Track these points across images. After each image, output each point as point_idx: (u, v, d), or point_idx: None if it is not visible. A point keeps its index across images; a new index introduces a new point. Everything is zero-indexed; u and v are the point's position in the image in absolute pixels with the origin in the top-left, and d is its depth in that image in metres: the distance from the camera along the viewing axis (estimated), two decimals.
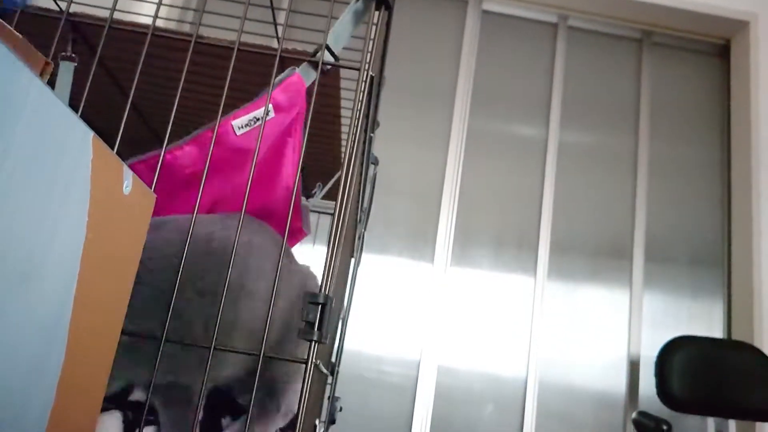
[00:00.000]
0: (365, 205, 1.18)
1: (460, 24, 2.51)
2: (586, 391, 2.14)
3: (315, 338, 0.50)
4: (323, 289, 0.52)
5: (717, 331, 2.26)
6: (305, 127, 0.55)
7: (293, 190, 0.72)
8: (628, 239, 2.34)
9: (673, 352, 1.58)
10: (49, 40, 0.75)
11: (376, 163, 1.12)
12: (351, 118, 0.59)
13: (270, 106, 0.65)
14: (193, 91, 0.88)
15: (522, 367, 2.15)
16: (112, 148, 1.28)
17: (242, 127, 0.60)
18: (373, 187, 1.19)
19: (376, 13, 0.61)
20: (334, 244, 0.54)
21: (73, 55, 0.96)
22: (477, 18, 2.52)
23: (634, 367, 2.18)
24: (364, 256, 2.21)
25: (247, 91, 0.83)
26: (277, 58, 0.59)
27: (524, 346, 2.18)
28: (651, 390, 2.12)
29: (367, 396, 2.08)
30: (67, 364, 0.38)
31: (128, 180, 0.43)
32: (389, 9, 0.63)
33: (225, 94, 0.58)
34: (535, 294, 2.24)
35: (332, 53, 0.62)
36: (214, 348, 0.51)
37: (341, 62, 0.64)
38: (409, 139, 2.37)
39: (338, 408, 1.23)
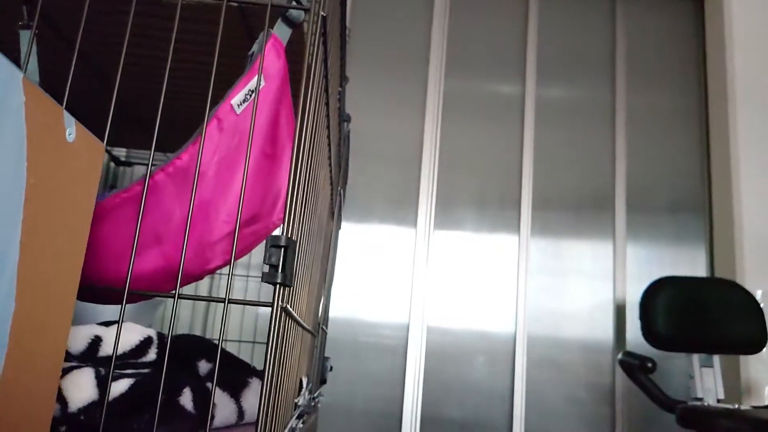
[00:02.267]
0: (341, 163, 1.18)
1: None
2: (574, 340, 2.18)
3: (279, 280, 0.50)
4: (284, 232, 0.52)
5: (700, 275, 2.29)
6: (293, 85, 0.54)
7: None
8: (609, 190, 2.35)
9: (657, 292, 1.60)
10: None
11: (348, 119, 1.11)
12: (305, 62, 0.58)
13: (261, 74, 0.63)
14: (156, 48, 0.86)
15: (510, 321, 2.17)
16: (81, 122, 1.24)
17: (240, 104, 0.59)
18: (348, 145, 1.18)
19: None
20: (292, 185, 0.54)
21: (31, 23, 0.94)
22: None
23: (620, 313, 2.21)
24: (347, 224, 2.20)
25: (211, 45, 0.81)
26: (224, 8, 0.57)
27: (511, 302, 2.20)
28: (637, 334, 2.15)
29: (361, 359, 2.09)
30: (20, 309, 0.37)
31: (71, 127, 0.42)
32: None
33: (171, 49, 0.57)
34: (519, 250, 2.26)
35: (299, 1, 0.60)
36: (180, 296, 0.50)
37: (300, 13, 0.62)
38: (384, 104, 2.35)
39: (328, 368, 1.24)
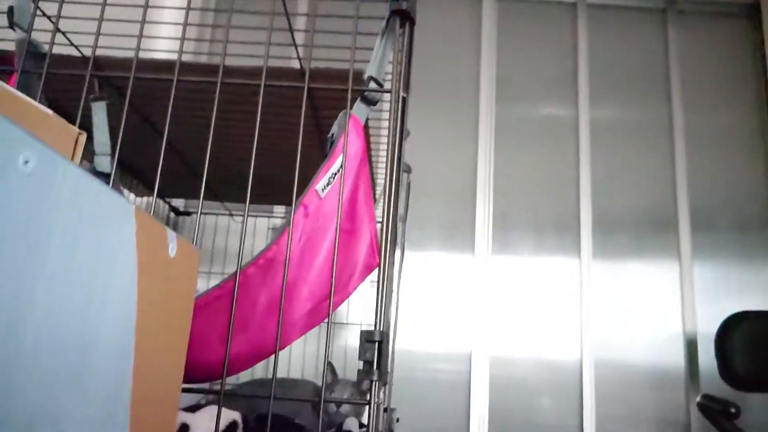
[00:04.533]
0: (402, 213, 1.17)
1: (476, 14, 2.45)
2: (644, 371, 2.09)
3: (375, 378, 0.49)
4: (377, 326, 0.51)
5: None
6: (370, 160, 0.54)
7: (374, 235, 0.70)
8: (671, 211, 2.27)
9: (733, 329, 1.52)
10: (76, 85, 0.75)
11: (408, 171, 1.11)
12: (388, 139, 0.58)
13: (343, 156, 0.64)
14: (219, 118, 0.87)
15: (576, 349, 2.11)
16: (143, 181, 1.28)
17: (324, 188, 0.59)
18: (408, 195, 1.18)
19: (401, 32, 0.59)
20: (383, 276, 0.53)
21: (103, 95, 0.97)
22: (493, 6, 2.47)
23: (691, 343, 2.12)
24: (405, 253, 2.19)
25: (277, 114, 0.82)
26: (305, 92, 0.57)
27: (576, 329, 2.13)
28: (711, 365, 2.06)
29: (421, 396, 2.06)
30: (136, 409, 0.37)
31: (173, 243, 0.43)
32: (413, 23, 0.61)
33: (258, 122, 0.57)
34: (581, 275, 2.20)
35: (378, 82, 0.60)
36: (275, 398, 0.50)
37: (371, 85, 0.62)
38: (437, 134, 2.34)
39: (395, 419, 1.22)
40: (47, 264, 0.29)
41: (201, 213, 1.61)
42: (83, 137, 0.41)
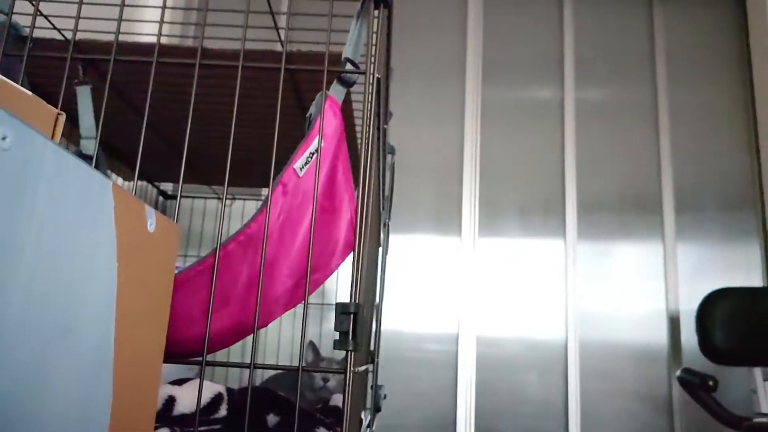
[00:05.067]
0: (386, 193, 1.19)
1: None
2: (628, 348, 2.13)
3: (351, 348, 0.51)
4: (353, 298, 0.53)
5: (756, 276, 2.22)
6: (351, 141, 0.56)
7: (354, 214, 0.71)
8: (655, 191, 2.30)
9: (714, 304, 1.56)
10: (60, 70, 0.76)
11: (392, 152, 1.12)
12: (362, 119, 0.59)
13: (320, 136, 0.65)
14: (205, 102, 0.89)
15: (561, 330, 2.15)
16: (132, 167, 1.30)
17: (302, 167, 0.61)
18: (392, 176, 1.19)
19: (376, 14, 0.61)
20: (358, 250, 0.55)
21: (86, 79, 0.98)
22: None
23: (674, 320, 2.16)
24: (392, 237, 2.21)
25: (264, 99, 0.83)
26: (281, 74, 0.59)
27: (561, 309, 2.17)
28: (693, 342, 2.10)
29: (410, 376, 2.10)
30: (116, 404, 0.39)
31: (152, 218, 0.44)
32: (388, 6, 0.62)
33: (236, 104, 0.58)
34: (566, 256, 2.23)
35: (354, 64, 0.62)
36: (254, 366, 0.52)
37: (347, 66, 0.63)
38: (423, 117, 2.35)
39: (382, 396, 1.25)
40: (29, 235, 0.31)
41: (191, 196, 1.62)
42: (62, 117, 0.43)
